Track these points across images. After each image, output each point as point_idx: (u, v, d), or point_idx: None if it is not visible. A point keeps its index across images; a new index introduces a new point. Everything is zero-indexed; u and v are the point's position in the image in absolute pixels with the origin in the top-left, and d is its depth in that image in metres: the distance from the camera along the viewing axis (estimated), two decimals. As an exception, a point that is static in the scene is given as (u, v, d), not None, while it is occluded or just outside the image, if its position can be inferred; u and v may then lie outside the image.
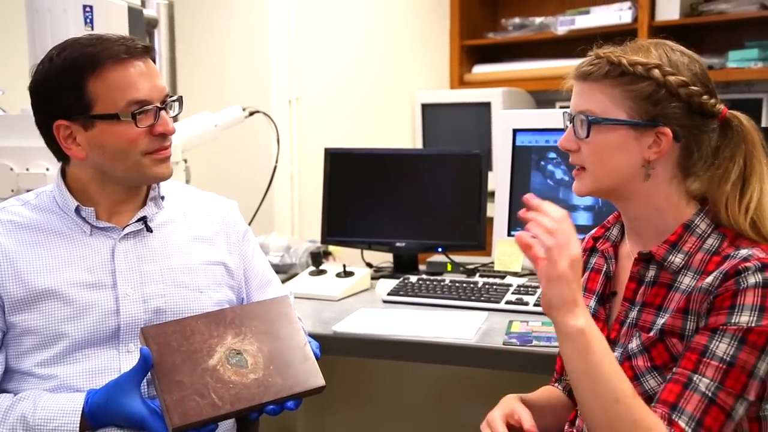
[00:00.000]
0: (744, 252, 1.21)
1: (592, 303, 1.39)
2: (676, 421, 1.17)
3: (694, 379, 1.19)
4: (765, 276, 1.17)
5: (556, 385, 1.53)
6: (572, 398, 1.47)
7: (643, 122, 1.25)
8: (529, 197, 1.21)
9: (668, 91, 1.24)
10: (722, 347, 1.18)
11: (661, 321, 1.26)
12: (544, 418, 1.43)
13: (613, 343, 1.33)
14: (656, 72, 1.24)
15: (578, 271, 1.17)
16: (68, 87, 1.40)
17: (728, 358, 1.17)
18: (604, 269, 1.39)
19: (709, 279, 1.22)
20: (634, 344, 1.28)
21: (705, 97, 1.25)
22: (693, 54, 1.30)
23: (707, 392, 1.17)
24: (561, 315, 1.17)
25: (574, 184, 1.34)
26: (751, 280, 1.18)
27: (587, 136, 1.28)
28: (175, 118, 1.51)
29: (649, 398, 1.25)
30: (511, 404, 1.36)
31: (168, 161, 1.49)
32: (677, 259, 1.27)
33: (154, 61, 1.48)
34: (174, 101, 1.50)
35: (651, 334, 1.26)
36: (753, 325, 1.17)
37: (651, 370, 1.26)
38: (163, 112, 1.45)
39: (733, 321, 1.18)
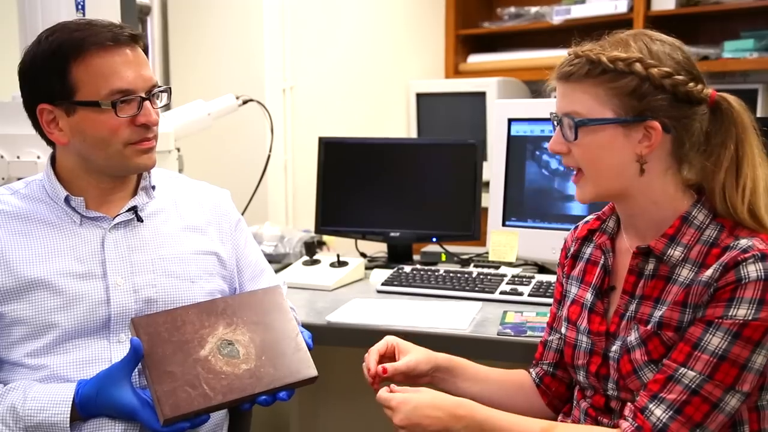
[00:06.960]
0: (743, 242, 1.20)
1: (589, 296, 1.37)
2: (644, 415, 1.20)
3: (680, 371, 1.19)
4: (766, 266, 1.16)
5: (531, 370, 1.52)
6: (542, 387, 1.49)
7: (631, 118, 1.22)
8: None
9: (652, 84, 1.21)
10: (715, 341, 1.18)
11: (658, 313, 1.25)
12: (498, 392, 1.48)
13: (612, 336, 1.32)
14: (638, 66, 1.21)
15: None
16: (53, 71, 1.39)
17: (720, 352, 1.17)
18: (602, 262, 1.37)
19: (709, 272, 1.20)
20: (632, 337, 1.28)
21: (691, 84, 1.22)
22: (675, 41, 1.27)
23: (691, 384, 1.18)
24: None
25: (576, 192, 1.32)
26: (753, 273, 1.16)
27: (575, 139, 1.25)
28: (167, 107, 1.49)
29: None
30: (388, 340, 1.45)
31: (151, 152, 1.47)
32: (676, 253, 1.26)
33: (144, 50, 1.46)
34: (162, 91, 1.47)
35: (648, 327, 1.26)
36: (750, 318, 1.16)
37: (648, 363, 1.25)
38: (147, 103, 1.43)
39: (730, 314, 1.17)
